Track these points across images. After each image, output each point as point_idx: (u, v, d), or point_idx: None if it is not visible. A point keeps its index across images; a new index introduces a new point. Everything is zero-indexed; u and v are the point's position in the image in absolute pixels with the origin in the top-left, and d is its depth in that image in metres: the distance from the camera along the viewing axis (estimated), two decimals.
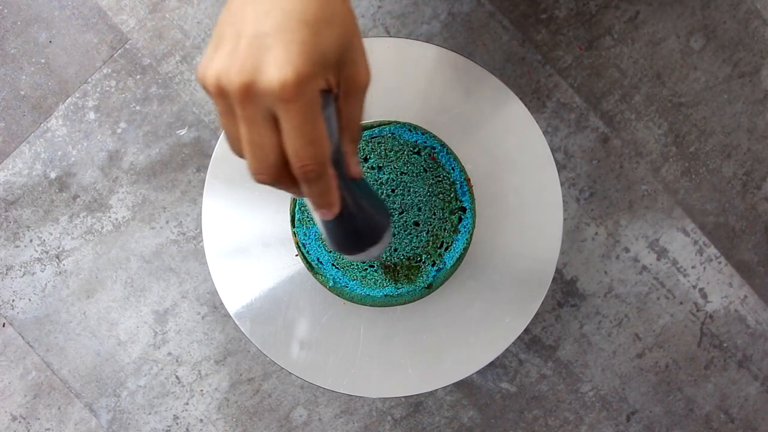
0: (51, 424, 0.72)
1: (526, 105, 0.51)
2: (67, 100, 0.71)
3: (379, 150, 0.50)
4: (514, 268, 0.51)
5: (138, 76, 0.71)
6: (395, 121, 0.50)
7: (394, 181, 0.50)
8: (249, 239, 0.52)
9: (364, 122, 0.50)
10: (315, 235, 0.50)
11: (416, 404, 0.72)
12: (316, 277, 0.51)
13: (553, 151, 0.70)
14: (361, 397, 0.71)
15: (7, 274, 0.71)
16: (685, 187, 0.71)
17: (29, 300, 0.71)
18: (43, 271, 0.71)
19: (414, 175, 0.50)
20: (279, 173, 0.28)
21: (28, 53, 0.71)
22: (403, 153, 0.50)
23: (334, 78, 0.28)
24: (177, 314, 0.71)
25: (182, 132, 0.71)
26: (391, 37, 0.70)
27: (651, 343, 0.72)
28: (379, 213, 0.36)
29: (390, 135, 0.50)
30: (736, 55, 0.71)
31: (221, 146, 0.51)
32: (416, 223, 0.50)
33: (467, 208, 0.50)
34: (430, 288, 0.51)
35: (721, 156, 0.71)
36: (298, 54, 0.25)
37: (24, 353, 0.71)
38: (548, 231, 0.51)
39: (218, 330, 0.71)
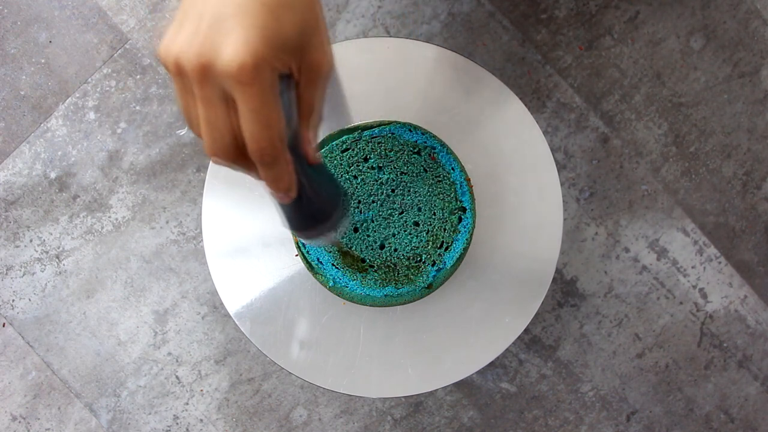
0: (51, 424, 0.72)
1: (526, 105, 0.51)
2: (67, 100, 0.71)
3: (379, 150, 0.50)
4: (514, 268, 0.51)
5: (138, 76, 0.71)
6: (395, 121, 0.50)
7: (394, 181, 0.50)
8: (249, 239, 0.52)
9: (364, 122, 0.50)
10: None
11: (416, 404, 0.72)
12: (316, 277, 0.51)
13: (553, 151, 0.70)
14: (361, 397, 0.71)
15: (7, 274, 0.71)
16: (685, 187, 0.71)
17: (29, 300, 0.71)
18: (43, 271, 0.71)
19: (414, 175, 0.50)
20: (235, 154, 0.28)
21: (28, 53, 0.71)
22: (403, 153, 0.50)
23: (294, 63, 0.28)
24: (177, 314, 0.71)
25: (182, 132, 0.71)
26: (391, 37, 0.70)
27: (651, 343, 0.72)
28: (336, 197, 0.37)
29: (390, 135, 0.50)
30: (736, 55, 0.71)
31: None
32: (416, 223, 0.50)
33: (467, 208, 0.50)
34: (430, 288, 0.51)
35: (721, 156, 0.71)
36: (256, 37, 0.25)
37: (24, 353, 0.71)
38: (548, 231, 0.51)
39: (218, 330, 0.71)
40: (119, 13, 0.71)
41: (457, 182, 0.50)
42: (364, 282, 0.50)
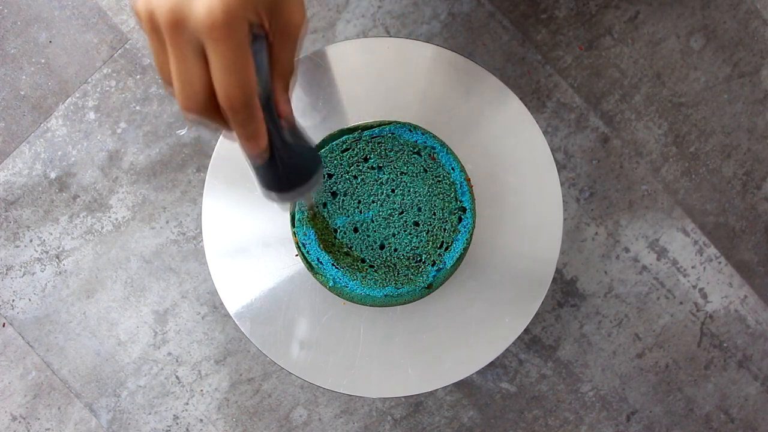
0: (51, 424, 0.72)
1: (526, 105, 0.51)
2: (67, 100, 0.71)
3: (379, 150, 0.50)
4: (514, 268, 0.51)
5: (138, 76, 0.71)
6: (395, 121, 0.50)
7: (394, 181, 0.50)
8: (249, 239, 0.52)
9: (364, 122, 0.50)
10: (315, 236, 0.50)
11: (416, 404, 0.72)
12: (316, 277, 0.51)
13: (553, 151, 0.70)
14: (361, 397, 0.71)
15: (7, 274, 0.71)
16: (685, 187, 0.71)
17: (29, 300, 0.71)
18: (43, 271, 0.71)
19: (414, 175, 0.50)
20: (207, 108, 0.29)
21: (28, 53, 0.71)
22: (403, 153, 0.50)
23: (266, 19, 0.28)
24: (177, 314, 0.71)
25: (182, 132, 0.71)
26: (391, 37, 0.70)
27: (651, 343, 0.72)
28: (308, 153, 0.37)
29: (390, 135, 0.50)
30: (736, 55, 0.71)
31: (221, 146, 0.51)
32: (416, 223, 0.50)
33: (467, 208, 0.50)
34: (430, 288, 0.51)
35: (721, 156, 0.71)
36: None
37: (24, 353, 0.71)
38: (548, 231, 0.51)
39: (218, 330, 0.71)
40: (119, 13, 0.71)
41: (457, 182, 0.50)
42: (364, 282, 0.50)
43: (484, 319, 0.51)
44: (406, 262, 0.50)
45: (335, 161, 0.50)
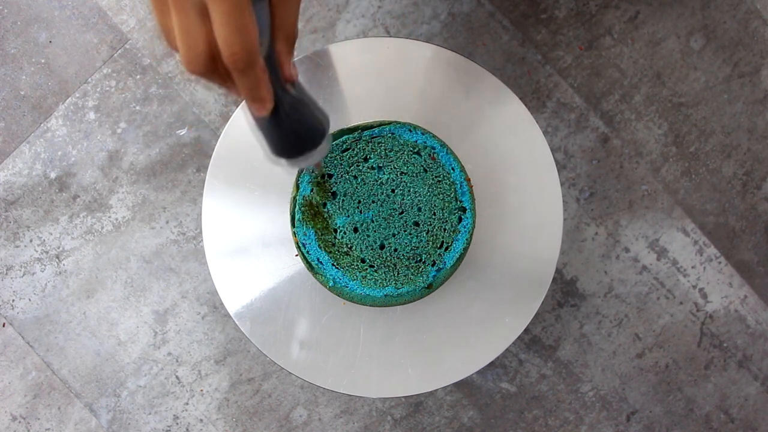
0: (51, 424, 0.72)
1: (526, 105, 0.51)
2: (67, 100, 0.71)
3: (379, 150, 0.50)
4: (514, 268, 0.51)
5: (138, 76, 0.71)
6: (395, 121, 0.50)
7: (394, 181, 0.50)
8: (249, 239, 0.52)
9: (364, 122, 0.50)
10: (315, 236, 0.50)
11: (416, 404, 0.72)
12: (316, 277, 0.51)
13: (553, 151, 0.70)
14: (361, 397, 0.71)
15: (7, 274, 0.71)
16: (685, 187, 0.71)
17: (29, 300, 0.71)
18: (43, 271, 0.71)
19: (414, 175, 0.50)
20: (209, 64, 0.29)
21: (28, 53, 0.71)
22: (403, 153, 0.50)
23: None
24: (177, 314, 0.71)
25: (182, 132, 0.71)
26: (391, 37, 0.70)
27: (651, 343, 0.72)
28: (316, 117, 0.36)
29: (390, 135, 0.50)
30: (736, 55, 0.71)
31: (221, 146, 0.51)
32: (416, 223, 0.50)
33: (467, 208, 0.50)
34: (430, 288, 0.51)
35: (721, 156, 0.71)
36: None
37: (24, 353, 0.71)
38: (548, 231, 0.51)
39: (218, 330, 0.71)
40: (119, 13, 0.71)
41: (457, 182, 0.50)
42: (364, 282, 0.50)
43: (484, 319, 0.51)
44: (406, 262, 0.50)
45: (335, 161, 0.50)
